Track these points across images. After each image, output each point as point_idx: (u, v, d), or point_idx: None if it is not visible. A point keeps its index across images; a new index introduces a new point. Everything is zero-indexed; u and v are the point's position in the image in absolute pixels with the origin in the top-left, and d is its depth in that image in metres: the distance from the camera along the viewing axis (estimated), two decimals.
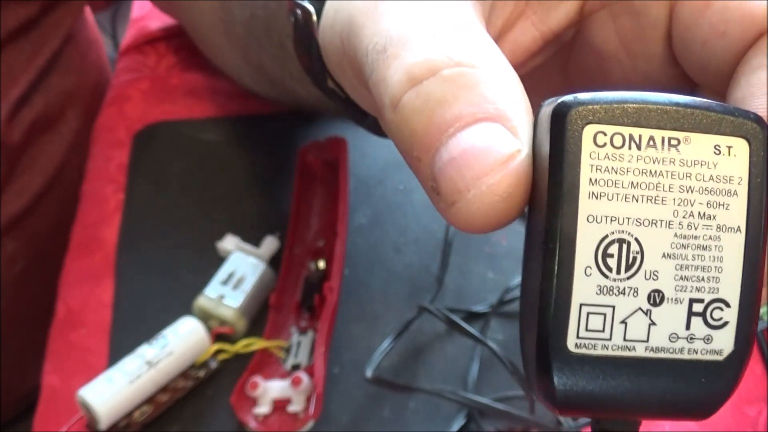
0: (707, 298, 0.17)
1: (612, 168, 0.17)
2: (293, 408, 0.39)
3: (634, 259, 0.17)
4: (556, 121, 0.17)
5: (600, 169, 0.17)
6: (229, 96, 0.54)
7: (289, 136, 0.51)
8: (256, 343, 0.42)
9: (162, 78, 0.57)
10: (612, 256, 0.17)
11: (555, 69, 0.26)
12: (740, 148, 0.17)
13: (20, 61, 0.55)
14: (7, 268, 0.57)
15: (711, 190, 0.17)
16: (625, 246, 0.17)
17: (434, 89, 0.18)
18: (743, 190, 0.17)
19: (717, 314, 0.17)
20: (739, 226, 0.17)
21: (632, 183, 0.17)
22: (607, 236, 0.17)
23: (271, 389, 0.40)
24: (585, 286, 0.17)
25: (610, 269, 0.17)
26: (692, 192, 0.17)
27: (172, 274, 0.46)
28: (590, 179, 0.17)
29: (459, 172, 0.17)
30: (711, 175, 0.17)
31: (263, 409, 0.39)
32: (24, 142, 0.57)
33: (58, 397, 0.42)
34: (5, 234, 0.57)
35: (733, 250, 0.17)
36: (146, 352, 0.40)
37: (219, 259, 0.45)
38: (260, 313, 0.44)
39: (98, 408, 0.38)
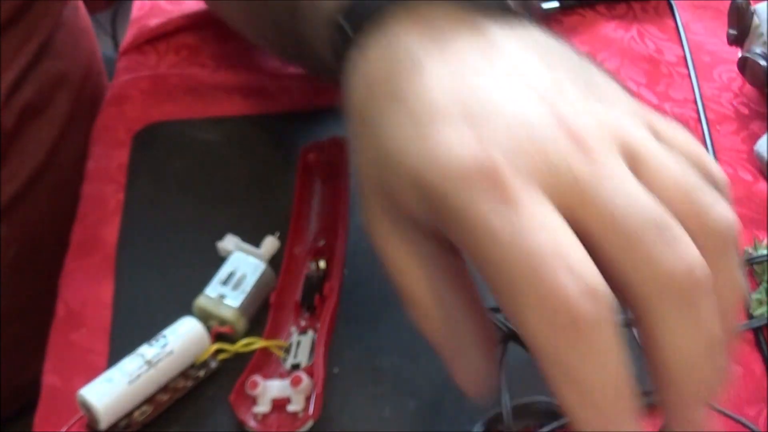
0: None
1: None
2: (292, 407, 0.39)
3: None
4: None
5: None
6: (229, 96, 0.54)
7: (289, 136, 0.51)
8: (256, 343, 0.42)
9: (162, 78, 0.57)
10: None
11: None
12: None
13: (11, 47, 0.55)
14: (1, 253, 0.58)
15: None
16: None
17: None
18: None
19: None
20: None
21: None
22: None
23: (270, 388, 0.40)
24: None
25: None
26: None
27: (172, 274, 0.46)
28: None
29: None
30: None
31: (262, 408, 0.39)
32: (15, 127, 0.57)
33: (58, 397, 0.42)
34: None
35: None
36: (146, 351, 0.40)
37: (219, 259, 0.45)
38: (260, 313, 0.43)
39: (98, 408, 0.38)
